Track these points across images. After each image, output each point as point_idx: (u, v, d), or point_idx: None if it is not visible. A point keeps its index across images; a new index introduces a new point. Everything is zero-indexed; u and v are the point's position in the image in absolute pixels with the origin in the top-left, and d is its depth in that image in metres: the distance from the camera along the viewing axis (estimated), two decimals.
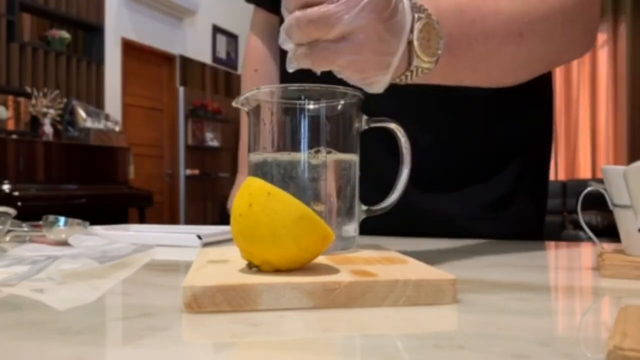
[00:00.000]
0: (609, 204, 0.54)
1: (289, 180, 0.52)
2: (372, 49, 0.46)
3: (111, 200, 4.23)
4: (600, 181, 0.55)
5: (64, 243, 0.66)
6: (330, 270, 0.41)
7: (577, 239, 4.67)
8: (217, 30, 6.39)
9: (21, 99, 4.03)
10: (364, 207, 0.57)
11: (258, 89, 0.55)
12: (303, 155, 0.52)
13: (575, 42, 0.66)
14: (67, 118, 4.30)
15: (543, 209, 0.86)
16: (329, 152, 0.53)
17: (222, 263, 0.45)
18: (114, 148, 4.43)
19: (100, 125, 4.46)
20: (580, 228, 4.93)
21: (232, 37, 6.68)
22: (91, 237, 0.67)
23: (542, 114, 0.85)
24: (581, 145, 6.80)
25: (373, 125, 0.57)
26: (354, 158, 0.55)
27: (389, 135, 0.57)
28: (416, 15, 0.49)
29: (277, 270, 0.40)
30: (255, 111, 0.55)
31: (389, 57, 0.48)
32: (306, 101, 0.53)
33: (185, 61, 5.98)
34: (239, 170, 1.06)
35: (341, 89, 0.53)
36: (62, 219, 0.70)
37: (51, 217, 0.70)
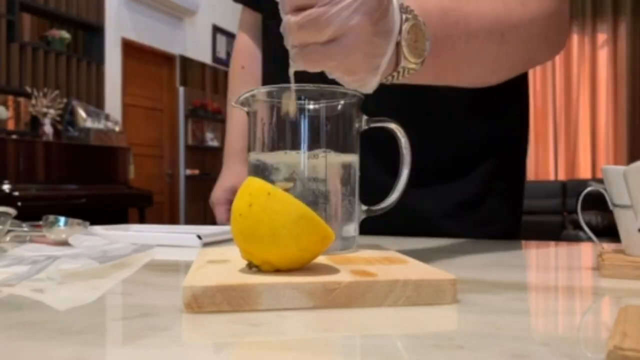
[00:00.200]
0: (609, 204, 0.54)
1: (288, 180, 0.52)
2: (362, 51, 0.47)
3: (111, 200, 4.23)
4: (600, 181, 0.55)
5: (64, 243, 0.66)
6: (330, 270, 0.41)
7: (577, 239, 4.67)
8: (217, 30, 6.39)
9: (21, 99, 4.03)
10: (364, 207, 0.57)
11: (257, 89, 0.55)
12: (303, 156, 0.52)
13: (550, 45, 0.69)
14: (67, 118, 4.30)
15: (518, 208, 0.86)
16: (329, 152, 0.53)
17: (222, 263, 0.45)
18: (114, 148, 4.43)
19: (100, 125, 4.46)
20: (580, 228, 4.93)
21: (232, 37, 6.68)
22: (91, 237, 0.67)
23: (517, 113, 0.86)
24: (581, 145, 6.80)
25: (373, 125, 0.57)
26: (354, 158, 0.55)
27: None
28: (404, 17, 0.49)
29: (277, 270, 0.40)
30: (255, 111, 0.55)
31: (378, 58, 0.48)
32: (306, 101, 0.53)
33: (185, 61, 5.98)
34: (224, 164, 1.06)
35: (341, 89, 0.53)
36: (62, 219, 0.70)
37: (51, 217, 0.70)
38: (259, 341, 0.31)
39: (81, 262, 0.50)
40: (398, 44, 0.49)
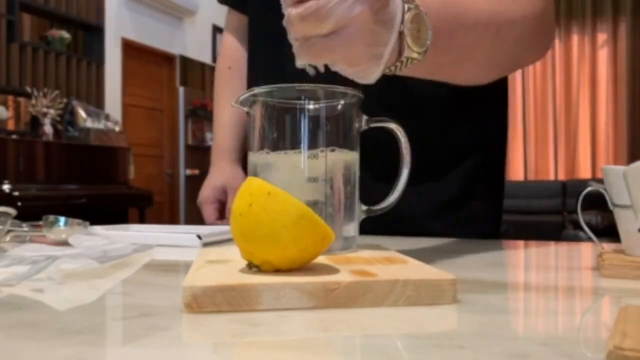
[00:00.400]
0: (609, 204, 0.54)
1: (288, 181, 0.52)
2: (364, 40, 0.47)
3: (111, 200, 4.23)
4: (600, 181, 0.55)
5: (64, 243, 0.66)
6: (330, 270, 0.41)
7: (577, 239, 4.67)
8: (217, 30, 6.38)
9: (21, 99, 4.03)
10: (364, 207, 0.57)
11: (257, 89, 0.55)
12: (303, 156, 0.52)
13: (538, 44, 0.71)
14: (67, 118, 4.30)
15: (499, 209, 0.88)
16: (329, 152, 0.53)
17: (222, 263, 0.45)
18: (114, 148, 4.43)
19: (100, 125, 4.46)
20: (580, 228, 4.93)
21: None
22: (91, 237, 0.67)
23: (496, 116, 0.88)
24: (581, 145, 6.80)
25: (373, 125, 0.57)
26: (354, 158, 0.55)
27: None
28: (406, 7, 0.49)
29: (277, 270, 0.40)
30: (255, 111, 0.55)
31: (381, 47, 0.48)
32: (306, 101, 0.53)
33: (185, 61, 5.98)
34: (212, 163, 1.06)
35: (341, 89, 0.53)
36: (62, 219, 0.70)
37: (51, 217, 0.70)
38: (259, 341, 0.31)
39: (81, 262, 0.50)
40: (401, 34, 0.49)
